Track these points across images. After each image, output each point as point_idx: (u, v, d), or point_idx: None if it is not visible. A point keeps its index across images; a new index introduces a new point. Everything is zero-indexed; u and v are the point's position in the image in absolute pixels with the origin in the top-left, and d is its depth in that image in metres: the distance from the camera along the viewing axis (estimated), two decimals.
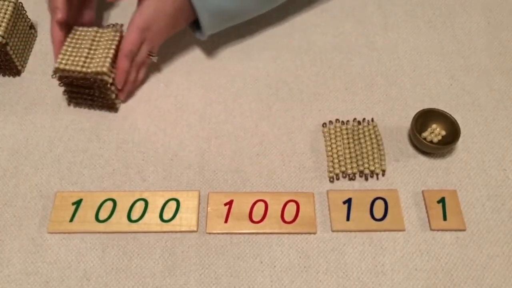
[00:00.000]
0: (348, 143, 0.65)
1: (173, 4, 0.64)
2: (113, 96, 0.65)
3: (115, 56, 0.64)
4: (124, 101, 0.69)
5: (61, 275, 0.55)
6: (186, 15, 0.66)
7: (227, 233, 0.58)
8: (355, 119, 0.67)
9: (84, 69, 0.61)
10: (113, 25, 0.67)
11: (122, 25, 0.66)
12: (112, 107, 0.67)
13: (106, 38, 0.64)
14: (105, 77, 0.62)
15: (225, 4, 0.66)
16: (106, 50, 0.63)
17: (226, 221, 0.59)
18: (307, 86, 0.71)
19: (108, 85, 0.63)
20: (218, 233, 0.58)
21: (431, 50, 0.75)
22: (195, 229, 0.58)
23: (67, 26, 0.64)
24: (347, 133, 0.65)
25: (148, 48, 0.66)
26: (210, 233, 0.58)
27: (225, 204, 0.60)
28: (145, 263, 0.56)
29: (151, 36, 0.65)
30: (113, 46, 0.63)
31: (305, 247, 0.58)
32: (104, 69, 0.61)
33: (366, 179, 0.63)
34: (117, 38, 0.64)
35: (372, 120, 0.67)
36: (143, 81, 0.70)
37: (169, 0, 0.64)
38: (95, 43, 0.64)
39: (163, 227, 0.58)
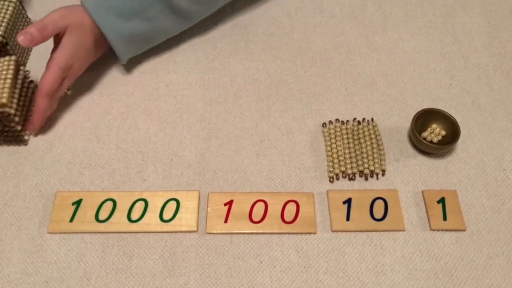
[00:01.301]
0: (348, 143, 0.65)
1: (91, 37, 0.64)
2: (19, 128, 0.62)
3: (13, 86, 0.60)
4: (35, 135, 0.65)
5: (61, 275, 0.55)
6: (102, 44, 0.66)
7: (227, 233, 0.58)
8: (355, 119, 0.67)
9: None
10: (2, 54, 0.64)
11: (14, 56, 0.62)
12: (20, 140, 0.64)
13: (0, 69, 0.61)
14: (6, 109, 0.59)
15: (138, 28, 0.66)
16: (2, 81, 0.59)
17: (226, 221, 0.59)
18: (307, 86, 0.71)
19: (11, 117, 0.60)
20: (218, 233, 0.58)
21: (431, 50, 0.75)
22: (195, 229, 0.58)
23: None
24: (347, 133, 0.65)
25: (68, 84, 0.65)
26: (210, 233, 0.58)
27: (225, 204, 0.60)
28: (145, 263, 0.56)
29: (72, 73, 0.64)
30: (9, 76, 0.60)
31: (305, 247, 0.58)
32: (4, 100, 0.58)
33: (366, 179, 0.63)
34: (11, 67, 0.60)
35: (372, 120, 0.67)
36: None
37: (87, 33, 0.63)
38: None
39: (163, 227, 0.58)
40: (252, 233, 0.58)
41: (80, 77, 0.68)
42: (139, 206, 0.60)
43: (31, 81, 0.65)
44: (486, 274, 0.56)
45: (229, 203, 0.60)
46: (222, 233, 0.58)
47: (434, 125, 0.65)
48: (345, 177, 0.63)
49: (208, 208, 0.60)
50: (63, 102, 0.69)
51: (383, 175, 0.63)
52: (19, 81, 0.62)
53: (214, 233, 0.58)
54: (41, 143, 0.65)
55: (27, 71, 0.65)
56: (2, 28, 0.65)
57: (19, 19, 0.69)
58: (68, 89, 0.66)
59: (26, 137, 0.64)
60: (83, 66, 0.66)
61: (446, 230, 0.59)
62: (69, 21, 0.62)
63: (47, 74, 0.61)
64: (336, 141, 0.65)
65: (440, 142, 0.64)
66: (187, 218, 0.59)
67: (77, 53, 0.63)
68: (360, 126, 0.66)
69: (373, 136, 0.65)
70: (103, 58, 0.74)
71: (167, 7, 0.66)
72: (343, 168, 0.63)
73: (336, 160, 0.63)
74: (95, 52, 0.67)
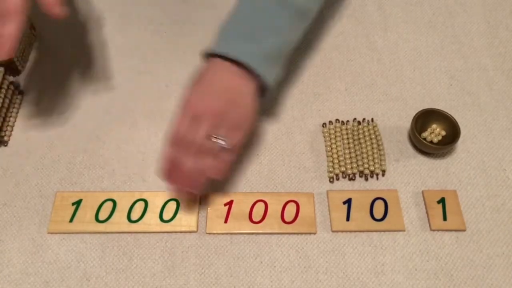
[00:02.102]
0: (348, 143, 0.65)
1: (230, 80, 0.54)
2: None
3: None
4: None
5: (61, 275, 0.55)
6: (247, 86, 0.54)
7: (227, 233, 0.58)
8: (355, 119, 0.67)
9: None
10: None
11: None
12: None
13: None
14: None
15: (269, 46, 0.56)
16: None
17: (226, 221, 0.59)
18: (307, 86, 0.71)
19: None
20: (218, 233, 0.58)
21: (431, 50, 0.75)
22: (195, 229, 0.58)
23: None
24: (347, 133, 0.65)
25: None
26: (210, 233, 0.58)
27: (225, 204, 0.60)
28: (145, 263, 0.56)
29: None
30: None
31: (305, 247, 0.57)
32: None
33: (366, 179, 0.63)
34: None
35: (372, 120, 0.67)
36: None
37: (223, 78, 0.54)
38: None
39: (163, 227, 0.58)
40: (252, 233, 0.58)
41: (79, 77, 0.68)
42: (139, 206, 0.60)
43: (12, 82, 0.65)
44: (486, 274, 0.56)
45: (229, 203, 0.60)
46: (222, 233, 0.58)
47: (434, 125, 0.65)
48: (345, 177, 0.63)
49: (208, 208, 0.60)
50: (63, 102, 0.69)
51: (383, 175, 0.63)
52: None
53: (214, 233, 0.58)
54: (41, 143, 0.65)
55: None
56: None
57: None
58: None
59: (5, 138, 0.65)
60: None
61: (446, 230, 0.59)
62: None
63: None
64: (336, 141, 0.65)
65: (440, 142, 0.64)
66: (187, 218, 0.59)
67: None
68: (360, 126, 0.66)
69: (373, 136, 0.65)
70: (103, 58, 0.74)
71: (292, 12, 0.58)
72: (343, 168, 0.62)
73: (336, 160, 0.63)
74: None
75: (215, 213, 0.59)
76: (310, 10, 0.60)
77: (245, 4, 0.57)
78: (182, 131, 0.52)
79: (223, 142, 0.52)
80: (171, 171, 0.53)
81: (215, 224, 0.59)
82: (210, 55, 0.55)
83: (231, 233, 0.58)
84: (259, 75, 0.53)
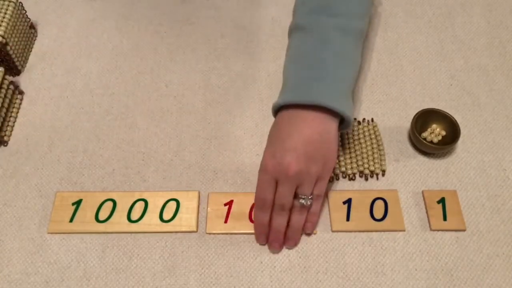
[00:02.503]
0: (348, 143, 0.65)
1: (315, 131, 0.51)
2: None
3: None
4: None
5: (61, 275, 0.55)
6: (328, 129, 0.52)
7: (227, 233, 0.58)
8: (355, 119, 0.67)
9: None
10: None
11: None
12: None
13: None
14: None
15: (348, 76, 0.55)
16: None
17: (226, 221, 0.59)
18: None
19: None
20: (218, 233, 0.58)
21: (431, 50, 0.75)
22: (195, 229, 0.58)
23: None
24: (347, 133, 0.65)
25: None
26: (210, 233, 0.58)
27: (225, 204, 0.60)
28: (145, 263, 0.56)
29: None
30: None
31: (305, 247, 0.57)
32: None
33: (366, 179, 0.63)
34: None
35: (372, 120, 0.67)
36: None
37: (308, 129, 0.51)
38: None
39: (163, 227, 0.58)
40: (252, 233, 0.58)
41: (79, 77, 0.68)
42: (139, 206, 0.60)
43: (12, 82, 0.66)
44: (486, 274, 0.56)
45: (229, 203, 0.60)
46: (222, 233, 0.58)
47: (434, 125, 0.65)
48: (345, 177, 0.63)
49: (208, 208, 0.60)
50: (63, 102, 0.69)
51: (383, 175, 0.63)
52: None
53: (214, 233, 0.58)
54: (41, 143, 0.65)
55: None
56: (2, 28, 0.65)
57: (19, 19, 0.69)
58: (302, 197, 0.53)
59: (5, 138, 0.65)
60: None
61: (446, 230, 0.59)
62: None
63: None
64: None
65: (440, 142, 0.64)
66: (187, 218, 0.59)
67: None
68: (360, 126, 0.66)
69: (373, 136, 0.65)
70: (103, 58, 0.74)
71: (355, 39, 0.56)
72: (343, 168, 0.62)
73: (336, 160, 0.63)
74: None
75: (215, 213, 0.59)
76: (364, 30, 0.59)
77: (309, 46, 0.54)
78: (267, 194, 0.52)
79: (309, 200, 0.52)
80: (266, 234, 0.55)
81: (215, 224, 0.59)
82: (284, 107, 0.53)
83: (231, 233, 0.58)
84: (340, 112, 0.51)
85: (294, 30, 0.59)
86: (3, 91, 0.64)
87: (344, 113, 0.52)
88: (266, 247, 0.57)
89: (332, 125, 0.52)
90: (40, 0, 0.80)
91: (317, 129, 0.51)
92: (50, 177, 0.62)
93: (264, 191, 0.52)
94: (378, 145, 0.64)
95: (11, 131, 0.66)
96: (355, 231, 0.58)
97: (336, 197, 0.60)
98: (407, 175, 0.63)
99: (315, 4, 0.57)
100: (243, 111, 0.68)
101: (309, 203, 0.52)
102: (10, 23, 0.67)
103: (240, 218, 0.59)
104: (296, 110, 0.52)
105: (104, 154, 0.64)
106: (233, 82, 0.71)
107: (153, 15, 0.79)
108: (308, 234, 0.57)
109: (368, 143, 0.64)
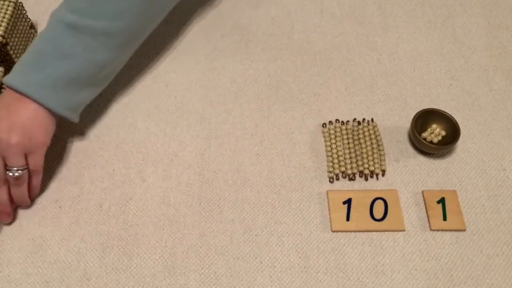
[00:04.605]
0: (348, 143, 0.65)
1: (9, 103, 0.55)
2: None
3: None
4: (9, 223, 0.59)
5: (61, 275, 0.55)
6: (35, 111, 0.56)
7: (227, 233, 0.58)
8: (355, 119, 0.67)
9: None
10: None
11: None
12: None
13: None
14: None
15: (60, 71, 0.56)
16: None
17: None
18: (307, 86, 0.71)
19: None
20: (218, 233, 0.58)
21: (431, 50, 0.75)
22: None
23: None
24: (347, 133, 0.65)
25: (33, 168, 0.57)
26: (210, 233, 0.58)
27: None
28: (145, 263, 0.56)
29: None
30: None
31: (305, 247, 0.58)
32: None
33: (366, 179, 0.63)
34: None
35: (372, 120, 0.67)
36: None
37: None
38: None
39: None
40: (252, 233, 0.58)
41: None
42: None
43: None
44: (486, 274, 0.56)
45: None
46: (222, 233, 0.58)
47: (434, 125, 0.65)
48: (345, 177, 0.63)
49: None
50: None
51: (383, 175, 0.63)
52: None
53: (214, 233, 0.58)
54: None
55: None
56: (2, 28, 0.65)
57: (19, 19, 0.69)
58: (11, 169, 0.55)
59: None
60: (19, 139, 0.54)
61: (446, 230, 0.59)
62: None
63: None
64: (336, 141, 0.65)
65: (440, 142, 0.64)
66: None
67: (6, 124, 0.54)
68: (360, 127, 0.66)
69: (373, 136, 0.65)
70: None
71: (81, 34, 0.57)
72: (343, 168, 0.63)
73: (336, 160, 0.63)
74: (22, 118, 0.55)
75: None
76: (109, 31, 0.58)
77: (41, 35, 0.58)
78: None
79: (20, 172, 0.55)
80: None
81: None
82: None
83: (231, 233, 0.58)
84: (39, 102, 0.55)
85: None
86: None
87: (47, 104, 0.55)
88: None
89: (38, 110, 0.56)
90: (40, 0, 0.80)
91: (27, 111, 0.55)
92: (50, 177, 0.62)
93: None
94: (378, 145, 0.64)
95: None
96: (355, 231, 0.58)
97: (336, 197, 0.60)
98: (407, 175, 0.63)
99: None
100: (243, 111, 0.68)
101: (16, 174, 0.55)
102: (10, 23, 0.67)
103: None
104: (12, 91, 0.56)
105: (104, 154, 0.64)
106: (233, 82, 0.71)
107: None
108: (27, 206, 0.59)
109: (368, 143, 0.64)
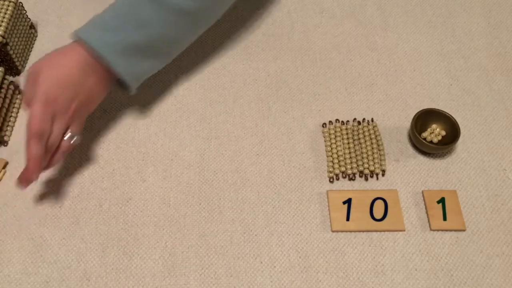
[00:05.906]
0: (348, 143, 0.65)
1: (76, 64, 0.55)
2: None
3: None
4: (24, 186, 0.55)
5: (61, 275, 0.55)
6: (99, 75, 0.57)
7: (227, 233, 0.58)
8: (355, 119, 0.67)
9: None
10: None
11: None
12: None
13: None
14: None
15: (134, 38, 0.57)
16: None
17: None
18: (307, 86, 0.71)
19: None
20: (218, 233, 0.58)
21: (431, 50, 0.75)
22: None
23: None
24: (347, 133, 0.65)
25: (62, 126, 0.54)
26: (210, 233, 0.58)
27: None
28: (145, 263, 0.56)
29: (59, 110, 0.54)
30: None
31: (305, 247, 0.58)
32: None
33: (366, 179, 0.63)
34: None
35: (372, 120, 0.67)
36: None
37: (67, 63, 0.55)
38: None
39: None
40: (252, 233, 0.58)
41: None
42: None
43: (12, 82, 0.66)
44: (486, 274, 0.56)
45: None
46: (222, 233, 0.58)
47: (434, 125, 0.65)
48: (345, 177, 0.63)
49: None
50: None
51: (383, 175, 0.63)
52: None
53: (214, 233, 0.58)
54: None
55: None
56: (2, 28, 0.65)
57: (19, 19, 0.69)
58: (72, 136, 0.56)
59: (5, 138, 0.65)
60: (73, 100, 0.55)
61: (446, 230, 0.59)
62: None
63: (30, 112, 0.52)
64: (336, 141, 0.65)
65: (440, 142, 0.64)
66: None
67: (59, 86, 0.54)
68: (360, 126, 0.66)
69: (373, 136, 0.65)
70: None
71: (161, 7, 0.58)
72: (343, 168, 0.63)
73: (336, 160, 0.63)
74: (89, 83, 0.56)
75: None
76: (186, 9, 0.59)
77: None
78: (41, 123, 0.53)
79: (72, 138, 0.56)
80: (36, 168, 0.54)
81: None
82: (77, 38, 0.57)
83: (231, 233, 0.58)
84: (108, 64, 0.56)
85: None
86: (3, 91, 0.64)
87: (114, 66, 0.56)
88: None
89: (98, 71, 0.57)
90: (40, 0, 0.80)
91: (83, 69, 0.56)
92: (49, 177, 0.62)
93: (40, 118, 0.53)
94: (378, 145, 0.64)
95: (11, 131, 0.66)
96: (355, 231, 0.58)
97: (336, 197, 0.60)
98: (407, 175, 0.63)
99: None
100: (243, 111, 0.68)
101: (77, 142, 0.57)
102: (10, 23, 0.67)
103: None
104: (79, 45, 0.56)
105: (104, 154, 0.64)
106: (233, 82, 0.71)
107: None
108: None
109: (368, 143, 0.64)
